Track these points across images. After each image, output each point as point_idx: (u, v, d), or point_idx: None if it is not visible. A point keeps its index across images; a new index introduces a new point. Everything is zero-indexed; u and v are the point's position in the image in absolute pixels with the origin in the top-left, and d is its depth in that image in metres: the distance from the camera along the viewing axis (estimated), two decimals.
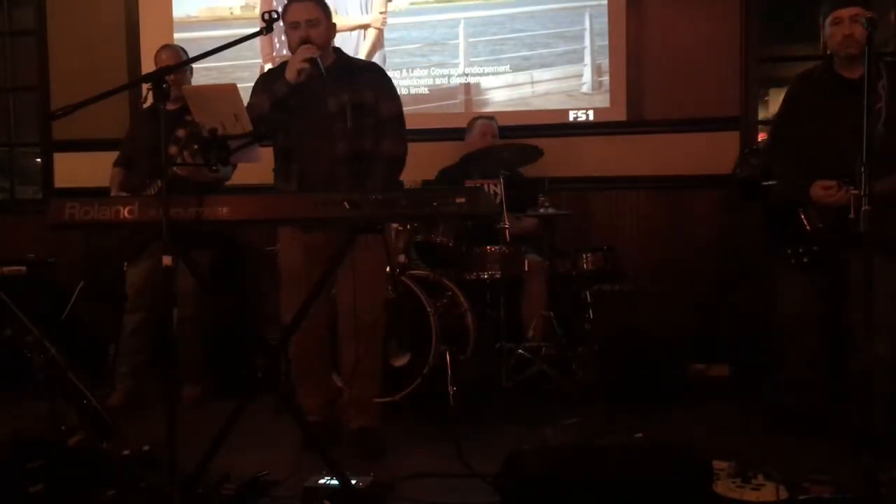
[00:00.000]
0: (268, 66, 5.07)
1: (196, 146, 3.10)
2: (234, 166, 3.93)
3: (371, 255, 3.23)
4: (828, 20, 3.30)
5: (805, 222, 3.34)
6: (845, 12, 3.23)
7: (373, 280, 3.35)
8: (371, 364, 3.35)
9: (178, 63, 3.75)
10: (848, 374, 3.32)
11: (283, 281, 3.38)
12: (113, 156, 4.33)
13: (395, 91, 3.38)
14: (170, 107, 3.98)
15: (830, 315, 3.43)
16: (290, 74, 3.11)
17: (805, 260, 3.34)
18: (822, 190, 3.25)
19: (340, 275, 3.11)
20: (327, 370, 3.55)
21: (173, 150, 3.58)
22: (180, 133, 3.08)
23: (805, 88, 3.46)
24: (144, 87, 4.26)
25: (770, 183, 3.61)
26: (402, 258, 4.15)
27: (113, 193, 4.10)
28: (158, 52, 4.22)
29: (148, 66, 4.79)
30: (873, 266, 3.09)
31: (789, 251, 3.37)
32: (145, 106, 4.28)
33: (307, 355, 3.39)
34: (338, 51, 3.40)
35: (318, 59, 3.12)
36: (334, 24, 3.33)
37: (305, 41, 3.14)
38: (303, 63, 3.09)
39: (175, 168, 3.65)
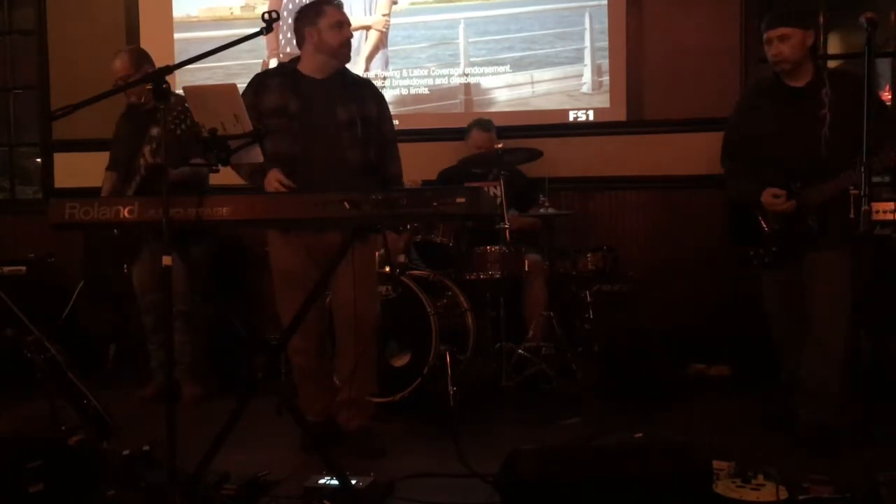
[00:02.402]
0: (273, 62, 5.11)
1: (156, 145, 3.14)
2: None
3: (368, 254, 3.23)
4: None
5: (763, 224, 3.40)
6: (773, 33, 3.29)
7: (370, 279, 3.36)
8: (368, 363, 3.35)
9: (179, 63, 3.74)
10: (803, 367, 3.35)
11: (277, 283, 3.36)
12: None
13: (390, 110, 3.50)
14: (148, 105, 4.01)
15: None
16: (268, 188, 3.10)
17: (766, 260, 3.40)
18: (772, 198, 3.32)
19: (338, 274, 3.11)
20: (328, 372, 3.55)
21: (147, 148, 3.63)
22: (154, 131, 3.11)
23: (755, 97, 3.53)
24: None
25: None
26: (402, 258, 4.16)
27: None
28: (113, 59, 4.15)
29: None
30: (829, 260, 3.21)
31: (752, 252, 3.44)
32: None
33: (307, 358, 3.38)
34: None
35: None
36: None
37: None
38: (281, 188, 3.09)
39: (142, 169, 3.75)
